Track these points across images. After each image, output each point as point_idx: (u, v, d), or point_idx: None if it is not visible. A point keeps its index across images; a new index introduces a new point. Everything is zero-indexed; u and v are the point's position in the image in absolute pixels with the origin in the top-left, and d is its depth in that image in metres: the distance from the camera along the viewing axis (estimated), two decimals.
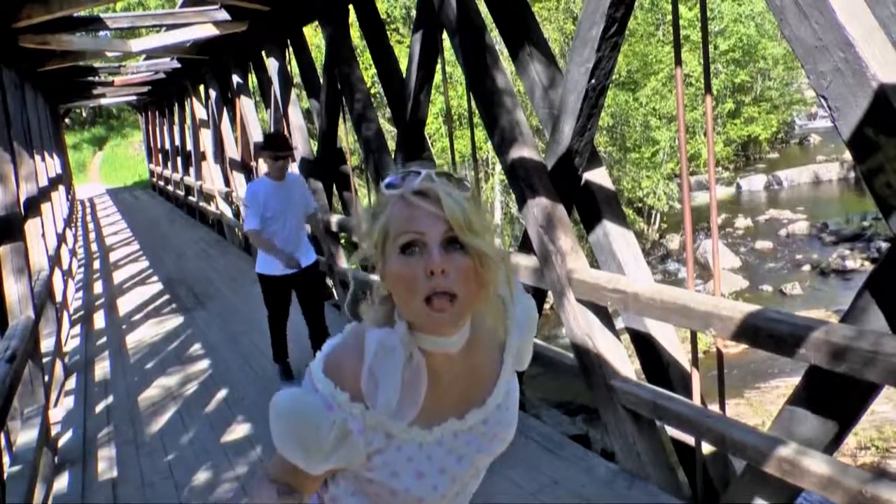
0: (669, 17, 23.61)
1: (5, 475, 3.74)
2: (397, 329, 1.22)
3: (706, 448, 3.67)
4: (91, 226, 20.32)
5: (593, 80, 3.81)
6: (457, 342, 1.24)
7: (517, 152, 4.38)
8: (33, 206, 7.09)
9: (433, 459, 1.30)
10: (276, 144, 5.20)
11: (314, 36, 17.52)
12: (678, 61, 3.58)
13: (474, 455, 1.35)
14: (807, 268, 17.67)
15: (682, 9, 22.00)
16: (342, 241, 8.67)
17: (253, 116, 11.70)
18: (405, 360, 1.22)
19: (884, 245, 17.10)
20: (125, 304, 9.76)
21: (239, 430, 5.07)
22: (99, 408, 5.96)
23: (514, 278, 1.31)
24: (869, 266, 16.47)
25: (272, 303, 5.55)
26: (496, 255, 1.17)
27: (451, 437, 1.31)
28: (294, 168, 8.35)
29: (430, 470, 1.29)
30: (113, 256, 14.28)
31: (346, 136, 8.69)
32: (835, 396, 2.77)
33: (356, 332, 1.29)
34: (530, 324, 1.43)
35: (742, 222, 22.24)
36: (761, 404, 10.51)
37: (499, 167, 20.44)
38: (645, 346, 4.11)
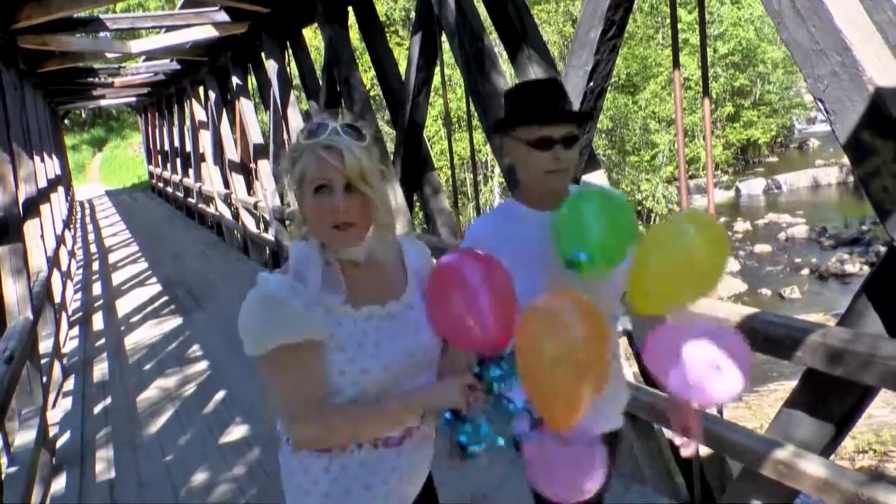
0: (668, 21, 23.66)
1: (3, 476, 3.74)
2: (312, 243, 1.61)
3: (703, 451, 3.67)
4: (90, 227, 20.33)
5: (591, 83, 3.82)
6: (360, 253, 1.61)
7: None
8: (32, 207, 7.10)
9: (367, 334, 1.59)
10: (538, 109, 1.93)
11: (314, 38, 17.55)
12: (676, 64, 3.59)
13: (403, 338, 1.62)
14: (805, 271, 17.69)
15: (681, 12, 22.04)
16: None
17: (252, 118, 11.71)
18: (322, 264, 1.59)
19: (882, 249, 17.11)
20: (124, 306, 9.76)
21: (237, 432, 5.07)
22: (97, 409, 5.96)
23: (391, 218, 1.65)
24: (868, 270, 16.49)
25: None
26: (380, 200, 1.57)
27: (377, 318, 1.61)
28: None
29: (367, 342, 1.58)
30: (112, 258, 14.28)
31: None
32: (832, 399, 2.77)
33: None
34: (425, 257, 1.79)
35: (741, 226, 22.26)
36: (759, 407, 10.51)
37: (498, 169, 20.45)
38: None
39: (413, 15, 9.78)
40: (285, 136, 9.52)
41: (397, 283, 1.70)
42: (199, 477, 4.47)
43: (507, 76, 4.80)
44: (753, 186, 27.10)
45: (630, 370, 4.05)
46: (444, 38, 5.53)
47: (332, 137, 1.54)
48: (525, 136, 1.83)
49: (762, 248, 19.95)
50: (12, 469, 4.00)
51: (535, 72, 4.31)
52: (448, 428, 1.60)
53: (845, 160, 24.30)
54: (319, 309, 1.55)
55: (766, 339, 2.89)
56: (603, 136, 20.37)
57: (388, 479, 1.65)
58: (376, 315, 1.61)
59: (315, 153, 1.53)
